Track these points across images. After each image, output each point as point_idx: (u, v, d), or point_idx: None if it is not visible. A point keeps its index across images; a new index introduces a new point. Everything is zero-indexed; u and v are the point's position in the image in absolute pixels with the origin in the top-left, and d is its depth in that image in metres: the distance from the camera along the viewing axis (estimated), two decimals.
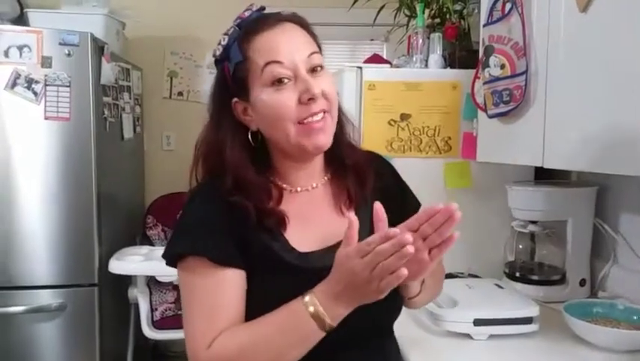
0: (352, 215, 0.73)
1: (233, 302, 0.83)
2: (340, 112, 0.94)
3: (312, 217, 0.91)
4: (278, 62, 0.82)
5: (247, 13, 0.88)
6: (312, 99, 0.83)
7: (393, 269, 0.69)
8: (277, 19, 0.87)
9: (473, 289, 1.37)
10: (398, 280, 0.70)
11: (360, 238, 0.78)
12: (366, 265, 0.71)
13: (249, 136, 0.89)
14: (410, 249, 0.68)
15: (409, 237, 0.68)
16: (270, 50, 0.83)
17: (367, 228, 0.87)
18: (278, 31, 0.85)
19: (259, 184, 0.88)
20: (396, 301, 0.92)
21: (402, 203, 0.99)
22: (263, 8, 0.90)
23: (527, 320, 1.24)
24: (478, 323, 1.22)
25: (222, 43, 0.87)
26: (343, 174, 0.95)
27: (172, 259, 0.87)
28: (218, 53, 0.88)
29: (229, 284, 0.83)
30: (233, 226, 0.85)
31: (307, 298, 0.76)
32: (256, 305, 0.83)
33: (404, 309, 0.98)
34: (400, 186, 1.04)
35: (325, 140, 0.86)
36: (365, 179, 0.94)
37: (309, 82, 0.83)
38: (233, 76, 0.86)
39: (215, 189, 0.87)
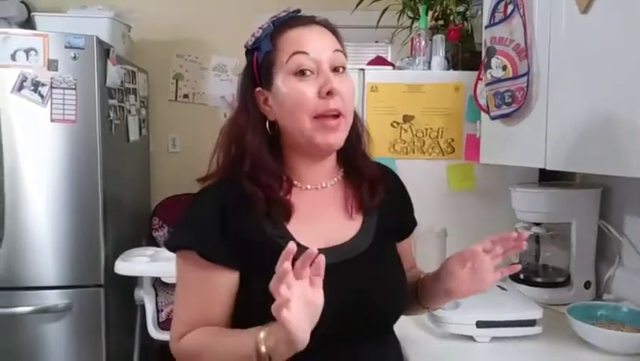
0: (293, 244, 0.69)
1: (215, 301, 0.86)
2: (358, 121, 0.98)
3: (318, 216, 0.93)
4: (304, 52, 0.86)
5: (283, 14, 0.92)
6: (330, 93, 0.85)
7: None
8: (309, 20, 0.92)
9: None
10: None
11: (363, 245, 0.91)
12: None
13: (267, 125, 0.92)
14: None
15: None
16: (298, 42, 0.87)
17: (372, 236, 0.94)
18: (308, 29, 0.89)
19: (273, 170, 0.90)
20: (400, 291, 0.95)
21: (404, 218, 1.06)
22: (298, 10, 0.94)
23: (530, 323, 1.24)
24: (480, 325, 1.22)
25: (255, 35, 0.91)
26: (355, 180, 0.97)
27: (171, 248, 0.91)
28: (250, 43, 0.92)
29: (216, 283, 0.86)
30: (231, 226, 0.87)
31: (262, 334, 0.75)
32: (259, 303, 0.79)
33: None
34: (405, 202, 1.07)
35: (337, 139, 0.88)
36: (376, 190, 0.96)
37: (329, 76, 0.86)
38: (260, 65, 0.91)
39: (222, 188, 0.90)
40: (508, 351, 1.20)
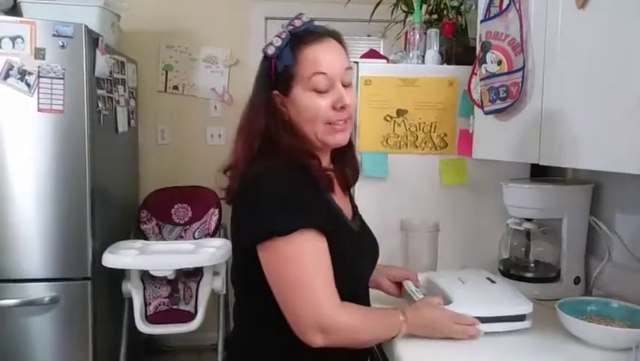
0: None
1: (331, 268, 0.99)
2: None
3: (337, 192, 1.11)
4: (323, 73, 1.00)
5: (298, 22, 1.03)
6: (343, 107, 1.02)
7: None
8: (324, 33, 1.04)
9: (466, 284, 1.36)
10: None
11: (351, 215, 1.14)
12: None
13: None
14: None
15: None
16: (317, 61, 1.00)
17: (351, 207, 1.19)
18: (324, 46, 1.02)
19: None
20: None
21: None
22: (312, 20, 1.05)
23: (520, 318, 1.24)
24: None
25: (275, 44, 1.02)
26: (341, 163, 1.16)
27: (286, 231, 0.94)
28: (270, 52, 1.02)
29: (327, 251, 0.98)
30: (320, 194, 1.03)
31: (402, 318, 1.10)
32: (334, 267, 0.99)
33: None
34: None
35: (344, 138, 1.06)
36: (358, 171, 1.22)
37: (343, 94, 1.02)
38: (280, 74, 1.02)
39: (287, 166, 1.01)
40: (498, 346, 1.20)
